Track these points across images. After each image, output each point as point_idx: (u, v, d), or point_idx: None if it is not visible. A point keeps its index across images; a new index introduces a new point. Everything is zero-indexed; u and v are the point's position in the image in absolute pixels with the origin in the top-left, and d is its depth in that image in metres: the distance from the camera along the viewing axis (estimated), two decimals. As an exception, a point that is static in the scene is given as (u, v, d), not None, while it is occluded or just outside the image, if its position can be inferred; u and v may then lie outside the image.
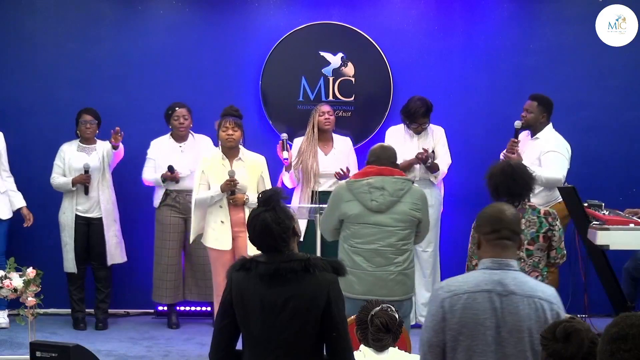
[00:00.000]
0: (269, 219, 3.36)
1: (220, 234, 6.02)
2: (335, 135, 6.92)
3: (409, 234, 4.98)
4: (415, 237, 5.08)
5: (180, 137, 6.95)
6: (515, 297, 3.17)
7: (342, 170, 6.61)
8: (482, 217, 3.33)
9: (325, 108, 6.87)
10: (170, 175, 6.79)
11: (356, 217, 4.95)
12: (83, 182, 6.80)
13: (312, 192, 6.68)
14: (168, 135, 6.98)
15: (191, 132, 7.00)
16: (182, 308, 7.26)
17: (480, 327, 3.16)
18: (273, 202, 3.41)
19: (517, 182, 4.81)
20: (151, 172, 6.92)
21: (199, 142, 6.99)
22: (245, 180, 6.06)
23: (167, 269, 6.93)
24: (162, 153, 6.91)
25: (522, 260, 4.76)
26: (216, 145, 6.49)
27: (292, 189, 6.85)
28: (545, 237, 4.77)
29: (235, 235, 6.03)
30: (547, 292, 3.23)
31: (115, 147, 6.78)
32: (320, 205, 6.08)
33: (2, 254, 6.72)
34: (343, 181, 5.30)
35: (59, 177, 6.89)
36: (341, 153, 6.84)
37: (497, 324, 3.15)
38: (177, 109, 6.88)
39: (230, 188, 5.96)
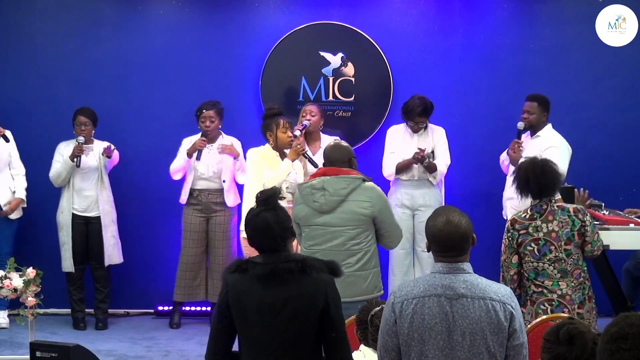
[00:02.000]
0: (269, 218, 3.37)
1: None
2: (323, 135, 6.90)
3: (360, 233, 4.93)
4: (383, 238, 5.03)
5: (209, 138, 6.92)
6: (465, 300, 3.16)
7: None
8: (429, 233, 3.28)
9: (309, 108, 6.81)
10: (200, 142, 6.71)
11: (305, 219, 4.98)
12: (77, 154, 6.75)
13: None
14: (199, 134, 6.91)
15: (222, 132, 6.96)
16: (184, 308, 7.24)
17: (431, 332, 3.16)
18: (273, 201, 3.41)
19: (547, 176, 4.82)
20: (175, 161, 6.86)
21: (227, 142, 6.95)
22: (298, 179, 6.10)
23: (187, 268, 6.93)
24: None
25: (563, 261, 4.76)
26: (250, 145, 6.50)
27: None
28: (579, 234, 4.78)
29: None
30: (500, 292, 3.21)
31: (108, 157, 6.80)
32: None
33: (8, 254, 6.62)
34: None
35: (56, 166, 6.86)
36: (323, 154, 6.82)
37: (448, 328, 3.15)
38: (204, 111, 6.84)
39: (300, 152, 5.99)
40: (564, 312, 4.69)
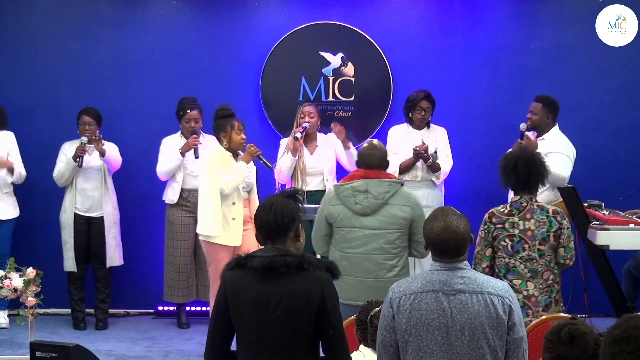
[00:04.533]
0: (279, 199, 3.44)
1: (231, 231, 6.01)
2: (319, 135, 6.89)
3: (399, 237, 4.94)
4: (418, 245, 5.00)
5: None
6: (463, 295, 3.19)
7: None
8: (427, 237, 3.31)
9: (307, 109, 6.78)
10: (193, 139, 6.69)
11: (342, 221, 4.95)
12: (80, 154, 6.74)
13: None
14: (179, 133, 6.93)
15: (202, 132, 6.95)
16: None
17: (429, 328, 3.18)
18: (290, 193, 3.49)
19: (536, 163, 4.82)
20: (166, 162, 6.84)
21: (209, 143, 6.95)
22: (251, 179, 6.13)
23: (180, 269, 6.91)
24: (173, 150, 6.84)
25: (535, 261, 4.76)
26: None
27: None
28: (555, 236, 4.77)
29: (242, 232, 6.05)
30: (498, 286, 3.24)
31: (102, 154, 6.79)
32: (314, 206, 6.00)
33: (6, 255, 6.56)
34: (332, 186, 5.27)
35: (59, 166, 6.85)
36: (323, 151, 6.82)
37: (446, 323, 3.17)
38: (188, 111, 6.83)
39: (254, 154, 6.01)
40: (527, 313, 4.69)
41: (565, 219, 4.83)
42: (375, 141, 5.27)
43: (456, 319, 3.16)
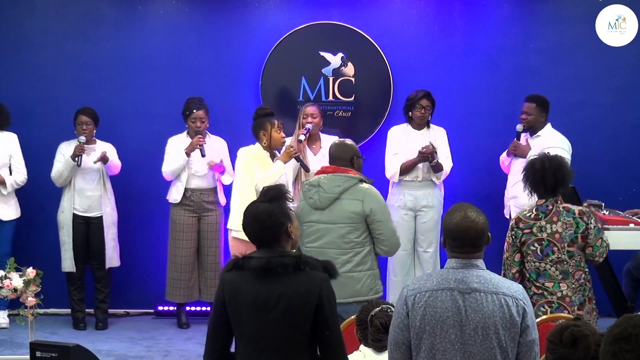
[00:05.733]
0: (261, 208, 3.40)
1: None
2: (322, 135, 6.88)
3: (351, 232, 4.94)
4: (378, 242, 5.00)
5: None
6: (478, 294, 3.18)
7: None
8: (447, 226, 3.30)
9: (310, 110, 6.75)
10: (198, 139, 6.68)
11: (303, 216, 5.01)
12: (78, 153, 6.74)
13: None
14: (185, 133, 6.93)
15: (207, 132, 6.95)
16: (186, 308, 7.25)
17: (443, 326, 3.18)
18: (271, 196, 3.44)
19: (563, 170, 4.81)
20: (171, 162, 6.84)
21: (215, 143, 6.95)
22: (290, 179, 6.17)
23: (181, 268, 6.91)
24: (179, 150, 6.84)
25: (565, 262, 4.75)
26: (236, 146, 6.39)
27: None
28: (582, 237, 4.76)
29: None
30: (513, 288, 3.23)
31: (104, 161, 6.81)
32: None
33: (7, 255, 6.55)
34: None
35: (57, 166, 6.85)
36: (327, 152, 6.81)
37: (460, 322, 3.17)
38: (194, 111, 6.82)
39: (292, 155, 6.03)
40: (563, 313, 4.68)
41: (592, 218, 4.81)
42: (345, 139, 5.32)
43: (470, 317, 3.16)
